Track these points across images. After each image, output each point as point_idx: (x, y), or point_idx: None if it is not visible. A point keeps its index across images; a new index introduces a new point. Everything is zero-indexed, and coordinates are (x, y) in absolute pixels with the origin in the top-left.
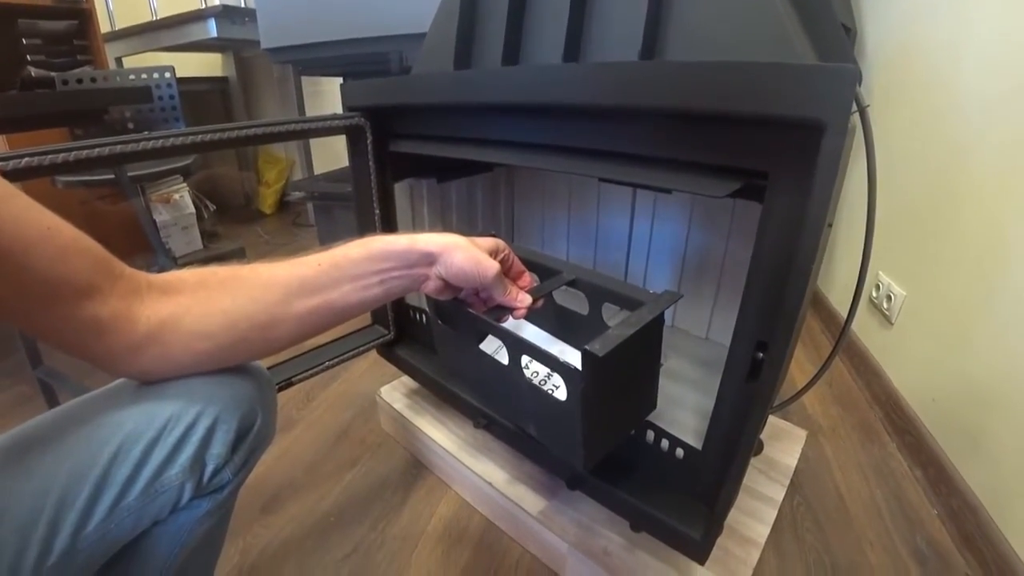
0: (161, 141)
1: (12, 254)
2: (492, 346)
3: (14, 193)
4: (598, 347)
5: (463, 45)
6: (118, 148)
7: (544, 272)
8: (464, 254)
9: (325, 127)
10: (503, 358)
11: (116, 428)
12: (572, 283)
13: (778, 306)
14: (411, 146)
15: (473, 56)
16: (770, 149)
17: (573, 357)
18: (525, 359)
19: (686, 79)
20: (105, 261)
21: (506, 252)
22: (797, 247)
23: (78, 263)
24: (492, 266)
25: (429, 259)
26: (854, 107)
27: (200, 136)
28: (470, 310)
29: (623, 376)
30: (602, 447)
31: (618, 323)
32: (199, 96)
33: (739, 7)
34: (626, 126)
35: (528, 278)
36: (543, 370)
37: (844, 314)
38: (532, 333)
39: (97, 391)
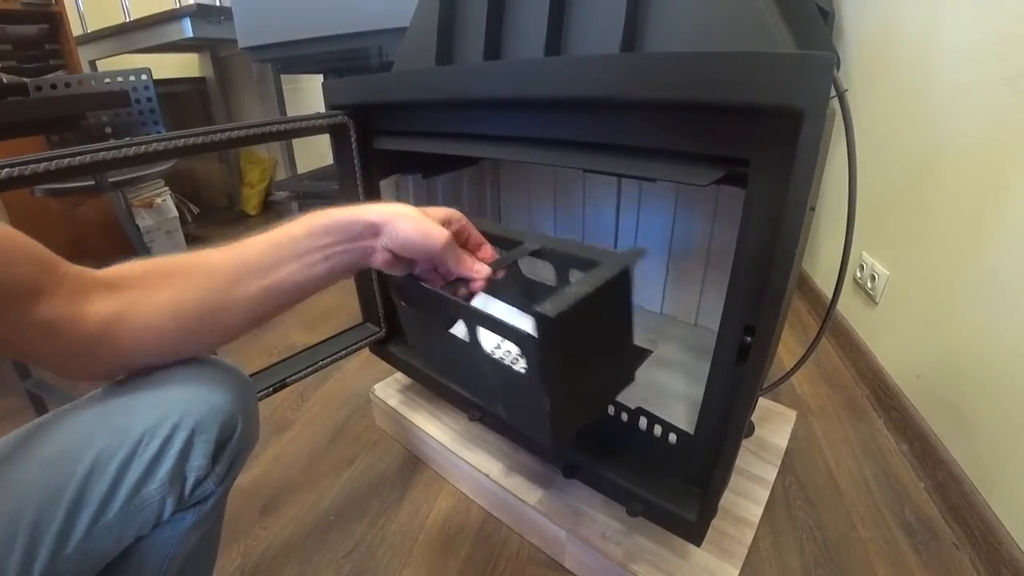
0: (143, 147)
1: None
2: (462, 329)
3: None
4: (549, 308)
5: (444, 40)
6: (99, 155)
7: (507, 244)
8: (411, 223)
9: (308, 127)
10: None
11: (88, 445)
12: (537, 253)
13: (764, 290)
14: (396, 143)
15: (454, 51)
16: (751, 137)
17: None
18: (495, 339)
19: (667, 70)
20: (49, 262)
21: (462, 222)
22: (780, 232)
23: (21, 266)
24: (441, 234)
25: (373, 230)
26: (832, 92)
27: (182, 140)
28: (423, 284)
29: (586, 342)
30: (572, 423)
31: (574, 282)
32: (177, 98)
33: (725, 10)
34: (609, 117)
35: (489, 250)
36: (514, 348)
37: (829, 295)
38: (501, 309)
39: (67, 406)
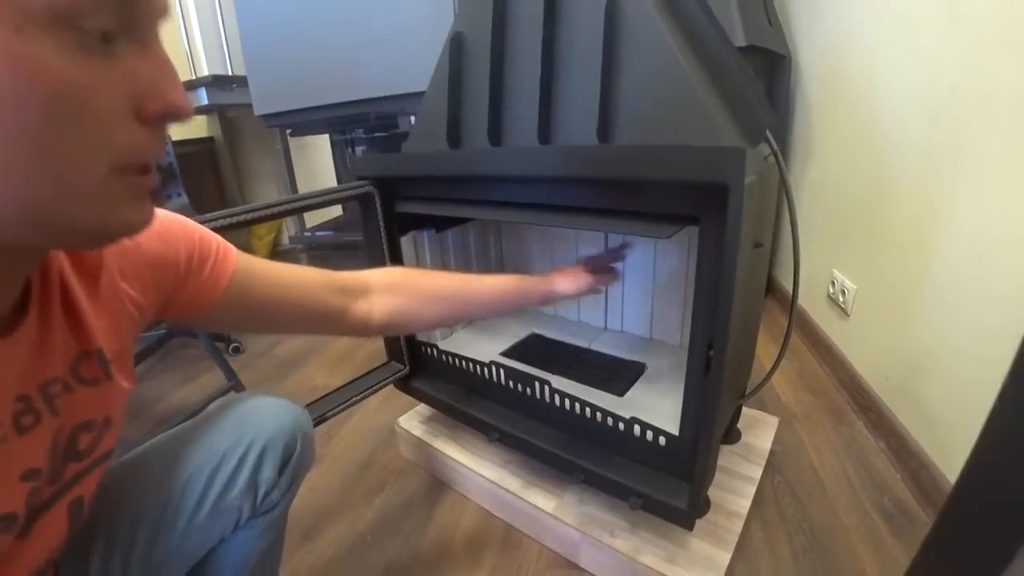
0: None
1: (286, 304)
2: None
3: (281, 264)
4: None
5: (453, 126)
6: None
7: None
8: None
9: (341, 197)
10: None
11: (187, 462)
12: None
13: (718, 312)
14: (414, 207)
15: (462, 135)
16: (697, 201)
17: None
18: None
19: (633, 158)
20: (337, 285)
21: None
22: (723, 268)
23: (329, 296)
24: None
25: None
26: (768, 152)
27: (234, 217)
28: None
29: None
30: None
31: None
32: (187, 158)
33: (672, 99)
34: (590, 189)
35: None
36: None
37: (808, 310)
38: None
39: (174, 431)
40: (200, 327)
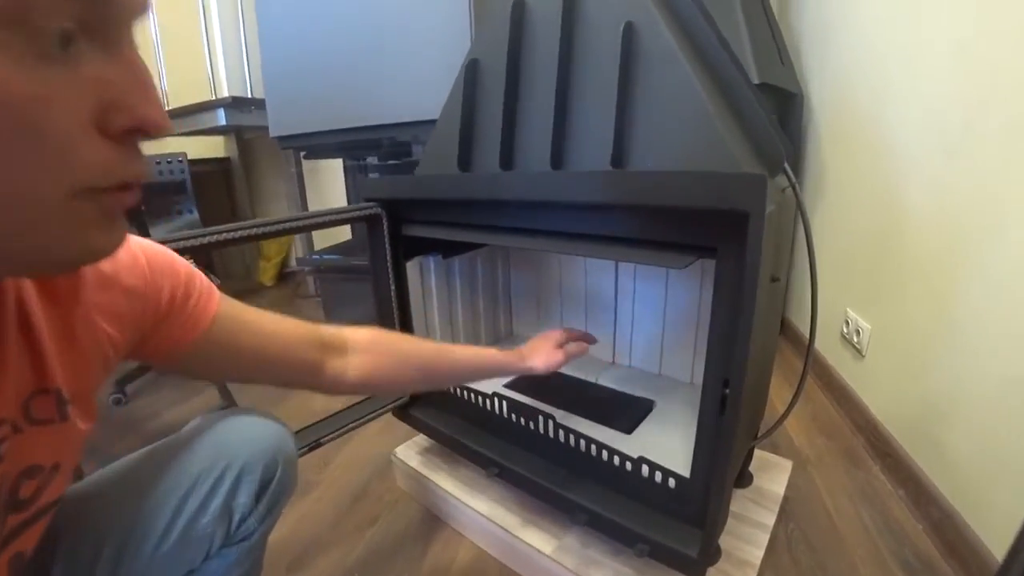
0: (211, 237)
1: (263, 353)
2: None
3: (263, 312)
4: None
5: (465, 149)
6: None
7: None
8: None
9: (348, 217)
10: None
11: (158, 483)
12: None
13: (735, 347)
14: (422, 230)
15: (473, 159)
16: (715, 231)
17: None
18: None
19: (649, 184)
20: (317, 337)
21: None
22: (742, 302)
23: (307, 350)
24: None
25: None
26: (785, 184)
27: (241, 231)
28: None
29: None
30: None
31: None
32: (202, 177)
33: (689, 126)
34: (603, 215)
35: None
36: None
37: (820, 351)
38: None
39: (146, 449)
40: (170, 372)
